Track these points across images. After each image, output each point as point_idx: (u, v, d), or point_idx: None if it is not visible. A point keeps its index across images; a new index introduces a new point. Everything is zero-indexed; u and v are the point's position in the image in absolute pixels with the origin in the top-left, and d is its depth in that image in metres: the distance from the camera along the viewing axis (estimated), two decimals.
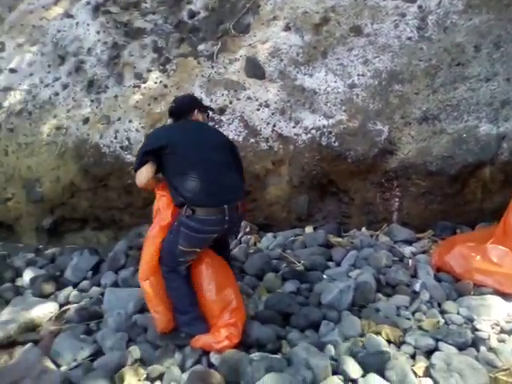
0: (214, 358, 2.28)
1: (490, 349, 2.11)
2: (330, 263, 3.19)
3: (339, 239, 3.47)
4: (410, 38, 3.66)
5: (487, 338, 2.19)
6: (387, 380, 1.96)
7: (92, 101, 4.21)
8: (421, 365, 2.06)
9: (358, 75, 3.69)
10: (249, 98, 3.81)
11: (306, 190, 3.79)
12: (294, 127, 3.70)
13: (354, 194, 3.72)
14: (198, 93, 3.87)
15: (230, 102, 3.82)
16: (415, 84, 3.58)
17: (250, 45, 3.88)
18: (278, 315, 2.59)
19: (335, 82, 3.72)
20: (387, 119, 3.56)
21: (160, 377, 2.22)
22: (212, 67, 3.93)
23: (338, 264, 3.16)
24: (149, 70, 4.10)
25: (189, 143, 2.36)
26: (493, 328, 2.26)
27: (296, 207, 3.82)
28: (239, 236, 3.66)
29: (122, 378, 2.19)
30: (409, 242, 3.32)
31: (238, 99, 3.81)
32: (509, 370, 1.91)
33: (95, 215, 4.41)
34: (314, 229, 3.72)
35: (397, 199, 3.58)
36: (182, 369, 2.26)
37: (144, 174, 2.36)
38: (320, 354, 2.17)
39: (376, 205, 3.65)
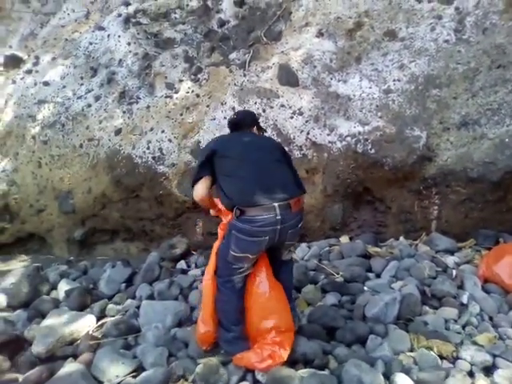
0: (260, 375, 2.23)
1: None
2: (370, 274, 3.12)
3: (378, 249, 3.39)
4: (447, 41, 3.59)
5: None
6: None
7: (124, 112, 4.24)
8: (481, 382, 1.98)
9: (394, 80, 3.63)
10: (282, 105, 3.78)
11: (341, 198, 3.73)
12: (328, 135, 3.65)
13: (391, 202, 3.64)
14: (231, 102, 3.86)
15: (264, 111, 3.80)
16: (453, 88, 3.51)
17: (283, 52, 3.85)
18: (322, 329, 2.53)
19: (370, 87, 3.66)
20: (425, 125, 3.49)
21: None
22: (244, 75, 3.92)
23: (379, 275, 3.09)
24: (180, 80, 4.11)
25: (237, 145, 2.37)
26: None
27: (330, 216, 3.76)
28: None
29: None
30: (450, 252, 3.23)
31: (271, 107, 3.78)
32: None
33: (126, 226, 4.43)
34: (350, 239, 3.65)
35: (436, 207, 3.49)
36: None
37: (200, 189, 2.34)
38: (372, 371, 2.10)
39: (414, 213, 3.56)
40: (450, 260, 3.07)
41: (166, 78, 4.17)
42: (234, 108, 3.87)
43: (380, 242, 3.58)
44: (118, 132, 4.18)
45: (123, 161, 4.09)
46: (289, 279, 2.58)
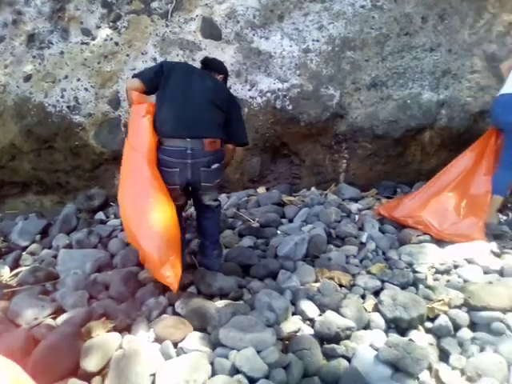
0: (180, 308, 2.37)
1: (427, 286, 2.40)
2: (284, 220, 3.38)
3: (291, 198, 3.66)
4: (363, 7, 3.80)
5: (424, 278, 2.47)
6: (342, 316, 2.18)
7: (34, 57, 3.96)
8: (370, 302, 2.31)
9: (313, 40, 3.80)
10: None
11: (259, 152, 3.91)
12: (249, 90, 3.76)
13: (305, 156, 3.90)
14: (152, 52, 3.80)
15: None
16: (366, 51, 3.76)
17: (207, 5, 3.83)
18: (238, 267, 2.73)
19: (290, 46, 3.80)
20: (339, 84, 3.73)
21: (127, 328, 2.28)
22: (166, 26, 3.85)
23: (291, 220, 3.35)
24: (98, 27, 3.92)
25: (181, 74, 2.43)
26: (429, 270, 2.55)
27: (249, 169, 3.94)
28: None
29: (90, 331, 2.19)
30: (355, 200, 3.59)
31: (194, 60, 3.78)
32: (442, 301, 2.21)
33: (39, 178, 4.25)
34: (267, 189, 3.87)
35: (345, 161, 3.81)
36: (149, 319, 2.34)
37: (132, 82, 2.45)
38: (281, 298, 2.34)
39: (325, 166, 3.87)
40: (354, 207, 3.42)
41: (81, 23, 3.95)
42: (155, 59, 3.82)
43: (294, 192, 3.85)
44: (27, 78, 3.93)
45: (34, 109, 3.88)
46: (211, 226, 2.69)
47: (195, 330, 2.20)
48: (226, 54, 3.83)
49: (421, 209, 3.00)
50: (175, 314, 2.36)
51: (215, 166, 2.43)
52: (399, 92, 3.66)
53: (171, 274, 2.23)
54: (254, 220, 3.31)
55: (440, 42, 3.65)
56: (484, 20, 3.58)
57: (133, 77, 2.49)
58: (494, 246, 2.75)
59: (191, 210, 3.32)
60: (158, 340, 2.12)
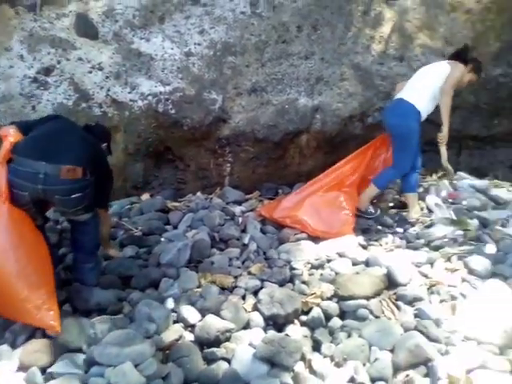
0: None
1: (303, 282, 2.55)
2: (168, 227, 3.32)
3: (176, 204, 3.61)
4: (243, 13, 3.85)
5: (301, 274, 2.62)
6: (223, 318, 2.21)
7: None
8: (250, 302, 2.38)
9: (195, 44, 3.77)
10: (80, 58, 3.56)
11: (142, 157, 3.80)
12: (129, 93, 3.63)
13: (190, 160, 3.88)
14: (18, 49, 3.46)
15: (58, 62, 3.52)
16: (246, 57, 3.83)
17: (81, 0, 3.61)
18: (118, 279, 2.62)
19: (172, 49, 3.75)
20: (221, 89, 3.77)
21: None
22: (35, 20, 3.53)
23: (176, 227, 3.31)
24: None
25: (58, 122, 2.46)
26: (305, 266, 2.71)
27: (132, 175, 3.81)
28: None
29: None
30: (239, 202, 3.66)
31: (68, 59, 3.53)
32: (315, 294, 2.36)
33: None
34: (151, 196, 3.78)
35: (229, 164, 3.88)
36: (14, 346, 2.12)
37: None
38: (161, 307, 2.31)
39: (210, 170, 3.89)
40: (238, 209, 3.49)
41: None
42: (22, 56, 3.49)
43: (180, 197, 3.81)
44: None
45: None
46: (83, 239, 2.52)
47: (69, 351, 2.06)
48: (104, 55, 3.65)
49: (297, 209, 3.18)
50: (46, 336, 2.18)
51: (77, 195, 2.24)
52: (278, 97, 3.83)
53: (49, 317, 2.06)
54: (136, 229, 3.20)
55: (314, 50, 3.89)
56: (351, 33, 3.90)
57: None
58: (361, 239, 3.02)
59: None
60: (23, 368, 1.94)
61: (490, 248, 2.86)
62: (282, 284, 2.53)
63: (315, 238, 3.02)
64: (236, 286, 2.55)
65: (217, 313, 2.25)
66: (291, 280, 2.59)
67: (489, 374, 1.84)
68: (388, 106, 3.47)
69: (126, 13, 3.77)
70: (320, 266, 2.71)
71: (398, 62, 3.88)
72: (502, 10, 3.84)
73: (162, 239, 3.09)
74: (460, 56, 3.30)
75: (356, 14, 3.87)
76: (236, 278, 2.64)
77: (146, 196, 3.74)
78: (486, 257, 2.71)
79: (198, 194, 3.78)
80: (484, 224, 3.19)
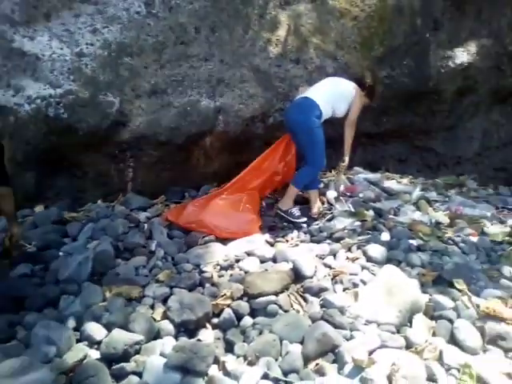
0: None
1: (213, 284, 2.53)
2: (66, 239, 3.08)
3: (74, 214, 3.37)
4: (138, 13, 3.71)
5: (210, 277, 2.60)
6: (131, 331, 2.10)
7: None
8: (159, 310, 2.30)
9: (87, 44, 3.55)
10: None
11: (34, 166, 3.50)
12: (13, 96, 3.31)
13: (88, 167, 3.66)
14: None
15: None
16: (144, 58, 3.70)
17: None
18: (9, 302, 2.36)
19: (61, 48, 3.48)
20: (118, 91, 3.59)
21: None
22: None
23: (75, 239, 3.09)
24: None
25: None
26: (214, 268, 2.70)
27: (22, 186, 3.47)
28: None
29: None
30: (144, 209, 3.52)
31: None
32: (225, 295, 2.35)
33: None
34: (46, 207, 3.48)
35: (131, 169, 3.72)
36: None
37: None
38: (61, 327, 2.14)
39: (111, 176, 3.70)
40: (143, 215, 3.36)
41: None
42: None
43: (79, 207, 3.56)
44: None
45: None
46: None
47: None
48: None
49: (202, 213, 3.17)
50: None
51: None
52: (179, 99, 3.76)
53: None
54: (29, 244, 2.92)
55: (213, 52, 3.89)
56: (249, 35, 3.97)
57: None
58: (267, 236, 3.09)
59: None
60: None
61: (385, 236, 3.10)
62: (191, 289, 2.49)
63: (224, 239, 3.02)
64: (144, 296, 2.45)
65: (124, 326, 2.14)
66: (201, 283, 2.55)
67: (388, 352, 1.98)
68: (290, 104, 3.57)
69: (3, 7, 3.44)
70: (229, 267, 2.71)
71: (295, 64, 4.04)
72: (383, 19, 4.19)
73: (60, 253, 2.86)
74: (358, 80, 3.59)
75: (252, 18, 3.95)
76: (144, 287, 2.53)
77: (40, 208, 3.44)
78: (381, 244, 2.93)
79: (99, 202, 3.58)
80: (379, 214, 3.45)
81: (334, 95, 3.43)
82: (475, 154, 4.68)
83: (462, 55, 4.26)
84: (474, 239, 3.17)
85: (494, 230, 3.33)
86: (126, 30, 3.73)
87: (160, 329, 2.18)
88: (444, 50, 4.27)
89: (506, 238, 3.21)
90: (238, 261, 2.76)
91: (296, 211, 3.36)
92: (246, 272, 2.64)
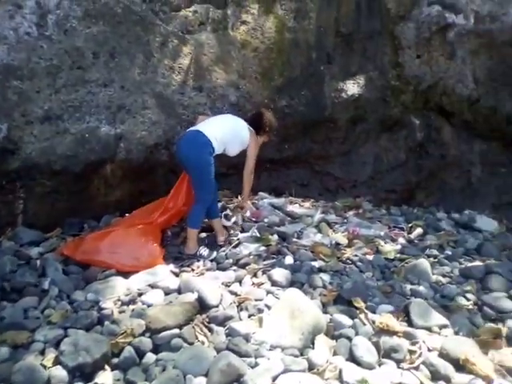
0: None
1: (113, 321, 2.38)
2: None
3: None
4: (28, 34, 3.48)
5: (111, 314, 2.44)
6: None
7: None
8: (50, 356, 2.09)
9: None
10: None
11: None
12: None
13: None
14: None
15: None
16: (36, 82, 3.47)
17: None
18: None
19: None
20: (6, 117, 3.32)
21: None
22: None
23: None
24: None
25: None
26: (115, 304, 2.55)
27: None
28: None
29: None
30: (36, 243, 3.24)
31: None
32: (125, 333, 2.22)
33: None
34: None
35: (21, 201, 3.40)
36: None
37: None
38: None
39: None
40: (35, 251, 3.09)
41: None
42: None
43: None
44: None
45: None
46: None
47: None
48: None
49: (100, 248, 3.00)
50: None
51: None
52: (76, 126, 3.57)
53: None
54: None
55: (113, 78, 3.77)
56: (151, 62, 3.93)
57: None
58: (172, 267, 3.01)
59: None
60: None
61: (289, 259, 3.21)
62: (88, 328, 2.31)
63: (126, 273, 2.88)
64: (33, 341, 2.22)
65: (7, 380, 1.91)
66: (100, 322, 2.38)
67: (291, 376, 2.02)
68: (183, 137, 3.40)
69: None
70: (131, 302, 2.58)
71: (198, 92, 4.08)
72: (282, 51, 4.44)
73: None
74: (255, 122, 3.62)
75: (154, 45, 3.93)
76: (33, 331, 2.30)
77: None
78: (285, 268, 3.02)
79: None
80: (283, 238, 3.56)
81: (230, 136, 3.40)
82: (369, 178, 5.06)
83: (353, 87, 4.65)
84: (370, 257, 3.42)
85: (387, 248, 3.62)
86: (14, 51, 3.48)
87: (50, 376, 1.98)
88: (337, 81, 4.62)
89: (398, 255, 3.51)
90: (140, 294, 2.64)
91: (203, 251, 3.27)
92: (149, 306, 2.53)
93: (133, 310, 2.50)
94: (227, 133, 3.39)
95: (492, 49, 4.71)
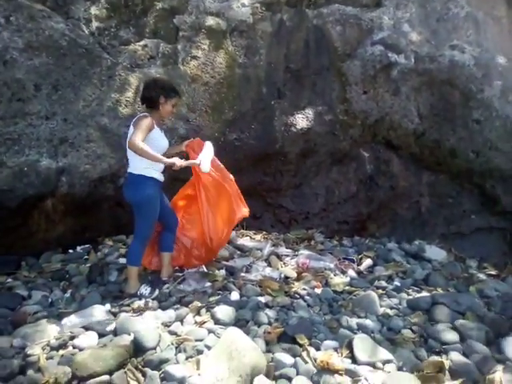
0: None
1: (38, 369, 2.20)
2: None
3: None
4: None
5: (37, 360, 2.27)
6: None
7: None
8: None
9: None
10: None
11: None
12: None
13: None
14: None
15: None
16: None
17: None
18: None
19: None
20: None
21: None
22: None
23: None
24: None
25: None
26: (44, 349, 2.37)
27: None
28: None
29: None
30: None
31: None
32: (47, 383, 2.06)
33: None
34: None
35: None
36: None
37: None
38: None
39: None
40: None
41: None
42: None
43: None
44: None
45: None
46: None
47: None
48: None
49: None
50: None
51: None
52: (14, 159, 3.44)
53: None
54: None
55: (55, 110, 3.68)
56: (96, 95, 3.87)
57: None
58: (109, 306, 2.86)
59: None
60: None
61: (235, 295, 3.13)
62: (8, 379, 2.13)
63: (59, 314, 2.70)
64: None
65: None
66: (22, 371, 2.20)
67: None
68: (127, 177, 3.21)
69: None
70: (62, 346, 2.41)
71: None
72: (232, 86, 4.49)
73: None
74: (145, 100, 3.18)
75: (100, 78, 3.89)
76: None
77: None
78: (230, 304, 2.93)
79: None
80: (231, 272, 3.49)
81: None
82: (321, 209, 5.10)
83: (302, 121, 4.73)
84: (318, 291, 3.38)
85: (336, 280, 3.60)
86: None
87: None
88: (287, 116, 4.70)
89: (346, 288, 3.49)
90: (72, 338, 2.48)
91: (144, 290, 3.13)
92: (81, 350, 2.37)
93: (62, 355, 2.33)
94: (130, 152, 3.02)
95: (433, 86, 4.94)
